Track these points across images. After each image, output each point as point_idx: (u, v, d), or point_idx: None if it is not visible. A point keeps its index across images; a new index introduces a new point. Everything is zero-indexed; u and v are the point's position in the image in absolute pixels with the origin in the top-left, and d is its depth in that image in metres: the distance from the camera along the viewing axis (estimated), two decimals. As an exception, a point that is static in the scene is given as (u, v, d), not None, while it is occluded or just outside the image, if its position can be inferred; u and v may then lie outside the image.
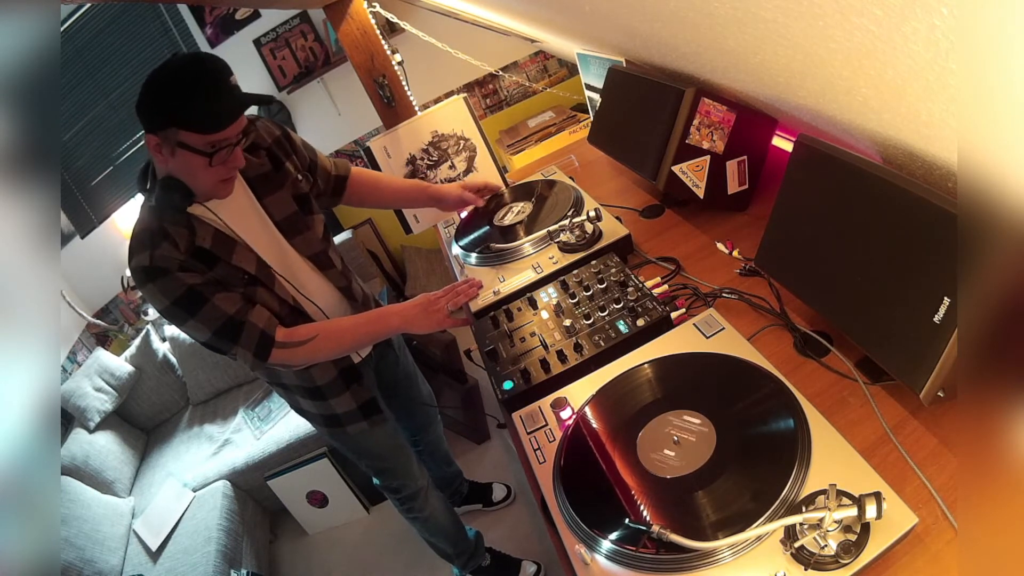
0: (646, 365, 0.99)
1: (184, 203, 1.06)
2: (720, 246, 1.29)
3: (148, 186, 1.09)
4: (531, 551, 1.94)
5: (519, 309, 1.26)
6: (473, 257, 1.50)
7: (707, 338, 1.00)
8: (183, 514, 2.28)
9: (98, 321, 3.02)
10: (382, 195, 1.55)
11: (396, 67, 2.11)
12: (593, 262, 1.28)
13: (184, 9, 2.85)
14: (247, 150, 1.19)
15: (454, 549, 1.79)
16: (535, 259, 1.39)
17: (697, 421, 0.86)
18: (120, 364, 2.75)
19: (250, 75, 2.97)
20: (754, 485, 0.74)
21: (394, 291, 3.32)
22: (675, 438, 0.85)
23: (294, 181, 1.26)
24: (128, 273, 2.95)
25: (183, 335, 2.76)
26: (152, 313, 3.06)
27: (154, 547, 2.18)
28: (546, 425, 0.98)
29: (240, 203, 1.17)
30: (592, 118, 1.91)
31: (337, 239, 3.01)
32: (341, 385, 1.35)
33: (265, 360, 1.12)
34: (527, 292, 1.29)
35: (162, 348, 2.87)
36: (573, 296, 1.21)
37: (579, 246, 1.35)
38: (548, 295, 1.25)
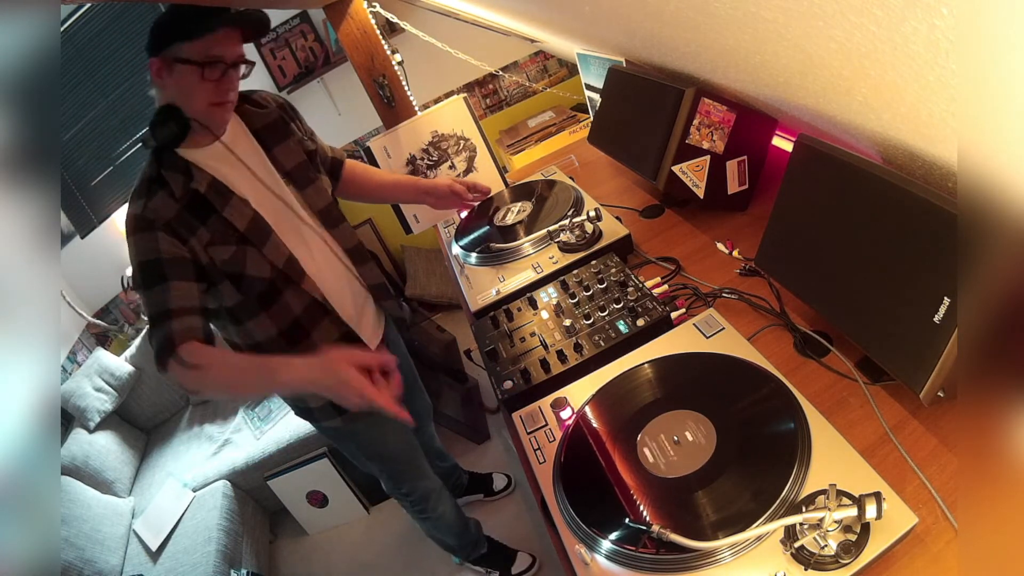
0: (646, 365, 0.99)
1: (179, 129, 1.06)
2: (720, 246, 1.29)
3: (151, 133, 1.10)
4: (531, 541, 1.94)
5: (519, 309, 1.26)
6: (473, 257, 1.50)
7: (707, 338, 1.00)
8: (183, 514, 2.28)
9: (98, 321, 3.01)
10: (373, 188, 1.55)
11: (396, 67, 2.11)
12: (593, 262, 1.28)
13: (184, 9, 2.85)
14: (253, 104, 1.24)
15: (458, 542, 1.81)
16: (535, 259, 1.39)
17: (697, 421, 0.86)
18: (120, 364, 2.75)
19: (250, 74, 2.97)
20: (754, 485, 0.74)
21: (394, 291, 3.32)
22: (675, 438, 0.85)
23: (301, 139, 1.29)
24: (128, 272, 2.96)
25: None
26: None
27: (154, 547, 2.18)
28: (546, 425, 0.98)
29: (243, 154, 1.17)
30: (592, 118, 1.91)
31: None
32: None
33: (161, 366, 1.02)
34: (527, 292, 1.29)
35: (162, 348, 2.86)
36: (573, 296, 1.21)
37: (579, 246, 1.35)
38: (548, 295, 1.25)
